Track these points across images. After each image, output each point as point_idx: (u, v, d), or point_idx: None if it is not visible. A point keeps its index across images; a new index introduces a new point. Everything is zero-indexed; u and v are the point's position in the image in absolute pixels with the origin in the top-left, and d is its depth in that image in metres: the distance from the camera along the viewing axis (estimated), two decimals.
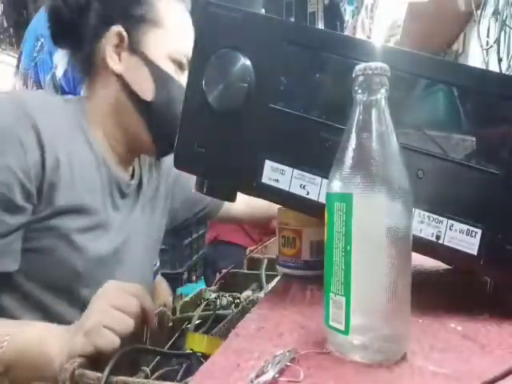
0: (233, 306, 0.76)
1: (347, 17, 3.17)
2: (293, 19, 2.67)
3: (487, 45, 1.68)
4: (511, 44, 1.53)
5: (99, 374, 0.43)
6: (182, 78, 0.72)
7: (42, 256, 0.65)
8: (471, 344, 0.40)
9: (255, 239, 1.73)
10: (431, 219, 0.47)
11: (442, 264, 0.62)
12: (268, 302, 0.54)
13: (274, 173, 0.52)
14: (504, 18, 1.53)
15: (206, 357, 0.55)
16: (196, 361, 0.56)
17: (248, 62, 0.53)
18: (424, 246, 0.47)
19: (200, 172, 0.57)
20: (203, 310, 0.73)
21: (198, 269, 2.63)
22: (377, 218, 0.36)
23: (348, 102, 0.39)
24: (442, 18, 2.05)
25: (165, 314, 0.67)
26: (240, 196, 1.09)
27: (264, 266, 0.88)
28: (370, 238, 0.35)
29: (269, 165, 0.52)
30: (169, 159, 0.91)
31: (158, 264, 1.18)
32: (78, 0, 0.71)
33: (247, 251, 1.07)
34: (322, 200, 0.49)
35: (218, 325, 0.67)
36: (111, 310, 0.52)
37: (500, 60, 1.58)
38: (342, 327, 0.36)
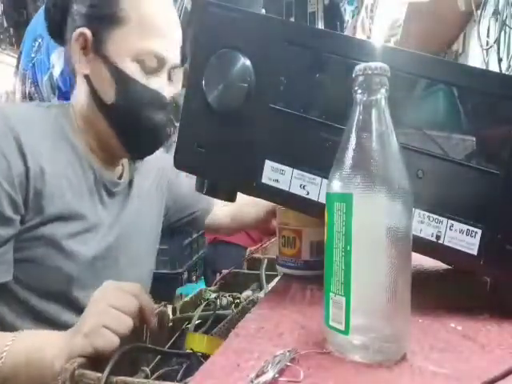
0: (233, 306, 0.76)
1: (347, 17, 3.17)
2: (293, 19, 2.67)
3: (487, 45, 1.68)
4: (511, 44, 1.53)
5: (99, 374, 0.43)
6: (154, 79, 0.70)
7: (34, 264, 0.65)
8: (471, 344, 0.40)
9: (255, 239, 1.73)
10: (431, 219, 0.47)
11: (442, 264, 0.62)
12: (268, 302, 0.54)
13: (273, 173, 0.52)
14: (504, 18, 1.53)
15: (206, 357, 0.55)
16: (196, 361, 0.56)
17: (248, 62, 0.53)
18: (424, 246, 0.47)
19: (200, 172, 0.57)
20: (203, 310, 0.73)
21: (198, 269, 2.64)
22: (377, 218, 0.36)
23: (348, 102, 0.39)
24: (442, 18, 2.05)
25: (165, 314, 0.67)
26: (227, 208, 1.06)
27: (264, 266, 0.88)
28: (370, 238, 0.35)
29: (269, 165, 0.52)
30: (163, 158, 0.91)
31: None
32: (63, 2, 0.71)
33: (247, 251, 1.07)
34: (322, 200, 0.49)
35: (218, 325, 0.67)
36: (110, 310, 0.52)
37: (500, 60, 1.58)
38: (342, 327, 0.36)
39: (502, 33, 1.55)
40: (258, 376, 0.33)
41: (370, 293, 0.36)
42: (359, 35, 2.81)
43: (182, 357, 0.58)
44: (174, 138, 0.60)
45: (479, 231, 0.46)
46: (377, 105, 0.37)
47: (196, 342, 0.58)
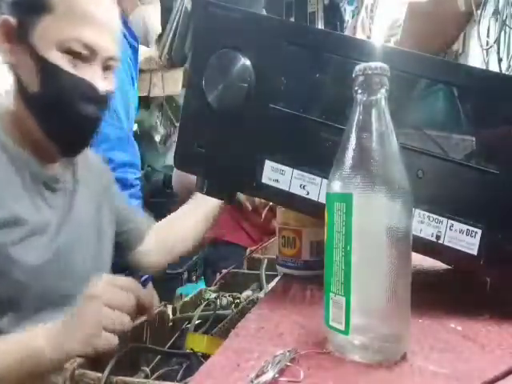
0: (233, 306, 0.76)
1: (347, 17, 3.17)
2: (293, 19, 2.66)
3: (487, 45, 1.68)
4: (511, 44, 1.53)
5: (99, 374, 0.43)
6: (84, 69, 0.66)
7: None
8: (471, 344, 0.40)
9: (255, 239, 1.73)
10: (431, 219, 0.47)
11: (442, 264, 0.62)
12: (268, 302, 0.54)
13: (273, 173, 0.52)
14: (504, 18, 1.53)
15: (206, 357, 0.55)
16: (196, 361, 0.56)
17: (248, 62, 0.53)
18: (424, 246, 0.47)
19: (200, 172, 0.57)
20: (203, 310, 0.73)
21: (198, 269, 2.63)
22: (377, 218, 0.36)
23: (348, 102, 0.39)
24: (442, 18, 2.05)
25: (165, 314, 0.67)
26: (156, 246, 0.91)
27: (264, 266, 0.88)
28: (370, 238, 0.35)
29: (269, 165, 0.52)
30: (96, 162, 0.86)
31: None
32: None
33: (247, 251, 1.07)
34: (322, 200, 0.49)
35: (218, 325, 0.67)
36: (107, 311, 0.51)
37: (500, 60, 1.58)
38: (342, 327, 0.36)
39: (502, 33, 1.55)
40: (257, 376, 0.33)
41: (370, 293, 0.36)
42: (359, 35, 2.81)
43: (182, 357, 0.58)
44: (174, 137, 0.60)
45: (479, 231, 0.46)
46: (377, 105, 0.37)
47: (196, 342, 0.58)
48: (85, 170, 0.81)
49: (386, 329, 0.36)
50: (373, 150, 0.36)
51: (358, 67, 0.38)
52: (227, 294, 0.79)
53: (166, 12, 2.18)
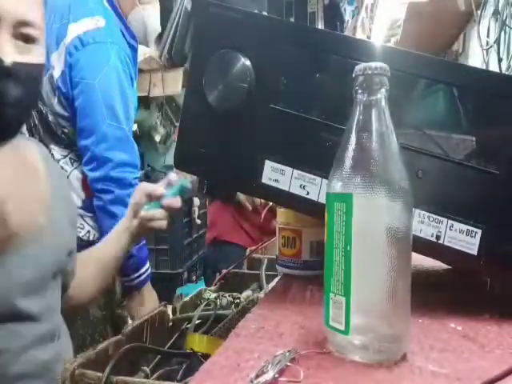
0: (233, 306, 0.76)
1: (347, 17, 3.17)
2: (293, 19, 2.66)
3: (487, 45, 1.68)
4: (511, 44, 1.53)
5: (99, 374, 0.43)
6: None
7: None
8: (471, 344, 0.40)
9: (255, 239, 1.73)
10: (431, 219, 0.47)
11: (442, 264, 0.62)
12: (268, 301, 0.54)
13: (273, 173, 0.52)
14: (504, 18, 1.53)
15: (206, 357, 0.55)
16: (196, 361, 0.56)
17: (248, 62, 0.53)
18: (424, 246, 0.47)
19: (200, 172, 0.58)
20: (203, 310, 0.73)
21: (198, 269, 2.63)
22: (377, 218, 0.36)
23: (348, 102, 0.39)
24: (442, 18, 2.05)
25: (165, 314, 0.67)
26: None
27: (264, 266, 0.88)
28: (370, 238, 0.35)
29: (269, 165, 0.52)
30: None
31: (149, 270, 1.16)
32: None
33: (247, 251, 1.07)
34: (322, 200, 0.49)
35: (217, 325, 0.67)
36: None
37: (500, 60, 1.58)
38: (342, 327, 0.36)
39: (502, 33, 1.55)
40: (257, 376, 0.33)
41: (370, 293, 0.36)
42: (359, 35, 2.81)
43: (182, 357, 0.58)
44: (174, 137, 0.60)
45: (479, 231, 0.46)
46: (377, 105, 0.37)
47: (196, 342, 0.58)
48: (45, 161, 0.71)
49: (386, 329, 0.36)
50: (373, 150, 0.36)
51: (357, 67, 0.38)
52: (227, 294, 0.79)
53: (165, 12, 2.18)
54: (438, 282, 0.63)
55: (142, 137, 3.03)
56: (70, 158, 1.14)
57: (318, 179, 0.51)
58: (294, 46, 0.52)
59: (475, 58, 1.97)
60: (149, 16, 1.29)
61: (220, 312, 0.73)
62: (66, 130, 1.14)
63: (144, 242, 1.10)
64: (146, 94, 2.66)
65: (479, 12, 1.73)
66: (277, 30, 0.53)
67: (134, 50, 1.29)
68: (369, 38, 2.92)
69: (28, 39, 0.59)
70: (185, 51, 2.51)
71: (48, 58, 1.14)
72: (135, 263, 1.09)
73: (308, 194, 0.51)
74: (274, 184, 0.52)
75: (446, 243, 0.47)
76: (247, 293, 0.81)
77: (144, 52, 2.32)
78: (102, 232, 1.09)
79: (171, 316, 0.71)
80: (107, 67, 1.11)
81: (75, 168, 1.14)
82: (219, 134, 0.54)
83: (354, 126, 0.37)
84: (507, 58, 1.55)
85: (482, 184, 0.46)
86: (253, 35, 0.53)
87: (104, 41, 1.12)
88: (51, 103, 1.13)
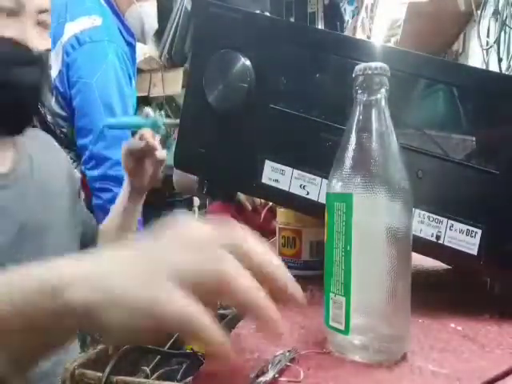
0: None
1: (347, 17, 3.17)
2: (293, 19, 2.66)
3: (487, 45, 1.68)
4: (511, 44, 1.53)
5: (99, 374, 0.43)
6: (10, 25, 0.55)
7: None
8: (471, 344, 0.40)
9: None
10: (431, 219, 0.47)
11: (442, 264, 0.62)
12: None
13: (273, 173, 0.52)
14: (504, 18, 1.53)
15: (206, 357, 0.55)
16: (196, 361, 0.56)
17: (248, 62, 0.53)
18: (424, 246, 0.47)
19: (200, 172, 0.58)
20: None
21: None
22: (377, 218, 0.36)
23: (348, 102, 0.39)
24: (442, 18, 2.05)
25: None
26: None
27: None
28: (370, 238, 0.35)
29: (269, 165, 0.52)
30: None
31: None
32: None
33: None
34: (322, 200, 0.49)
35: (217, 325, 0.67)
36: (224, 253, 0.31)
37: (500, 60, 1.58)
38: (342, 327, 0.36)
39: (502, 33, 1.55)
40: (258, 376, 0.33)
41: (370, 293, 0.36)
42: (359, 35, 2.81)
43: (182, 357, 0.58)
44: (174, 137, 0.60)
45: (479, 231, 0.46)
46: (377, 105, 0.37)
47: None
48: (46, 151, 0.72)
49: (386, 329, 0.36)
50: (373, 150, 0.36)
51: (357, 67, 0.38)
52: None
53: (165, 12, 2.17)
54: (437, 282, 0.63)
55: None
56: (70, 158, 1.15)
57: (318, 179, 0.51)
58: (294, 46, 0.52)
59: (475, 58, 1.97)
60: (146, 13, 1.29)
61: (220, 312, 0.73)
62: (64, 130, 1.14)
63: None
64: (145, 93, 2.66)
65: (479, 12, 1.73)
66: (277, 30, 0.53)
67: (132, 47, 1.28)
68: (369, 37, 2.92)
69: (46, 26, 0.60)
70: (185, 51, 2.51)
71: None
72: None
73: (308, 194, 0.51)
74: (274, 184, 0.52)
75: (446, 243, 0.47)
76: None
77: (144, 52, 2.32)
78: None
79: None
80: (104, 66, 1.11)
81: (75, 168, 1.14)
82: (219, 134, 0.54)
83: (354, 126, 0.37)
84: (507, 58, 1.55)
85: (482, 184, 0.46)
86: (253, 35, 0.53)
87: (101, 39, 1.12)
88: (49, 103, 1.13)
